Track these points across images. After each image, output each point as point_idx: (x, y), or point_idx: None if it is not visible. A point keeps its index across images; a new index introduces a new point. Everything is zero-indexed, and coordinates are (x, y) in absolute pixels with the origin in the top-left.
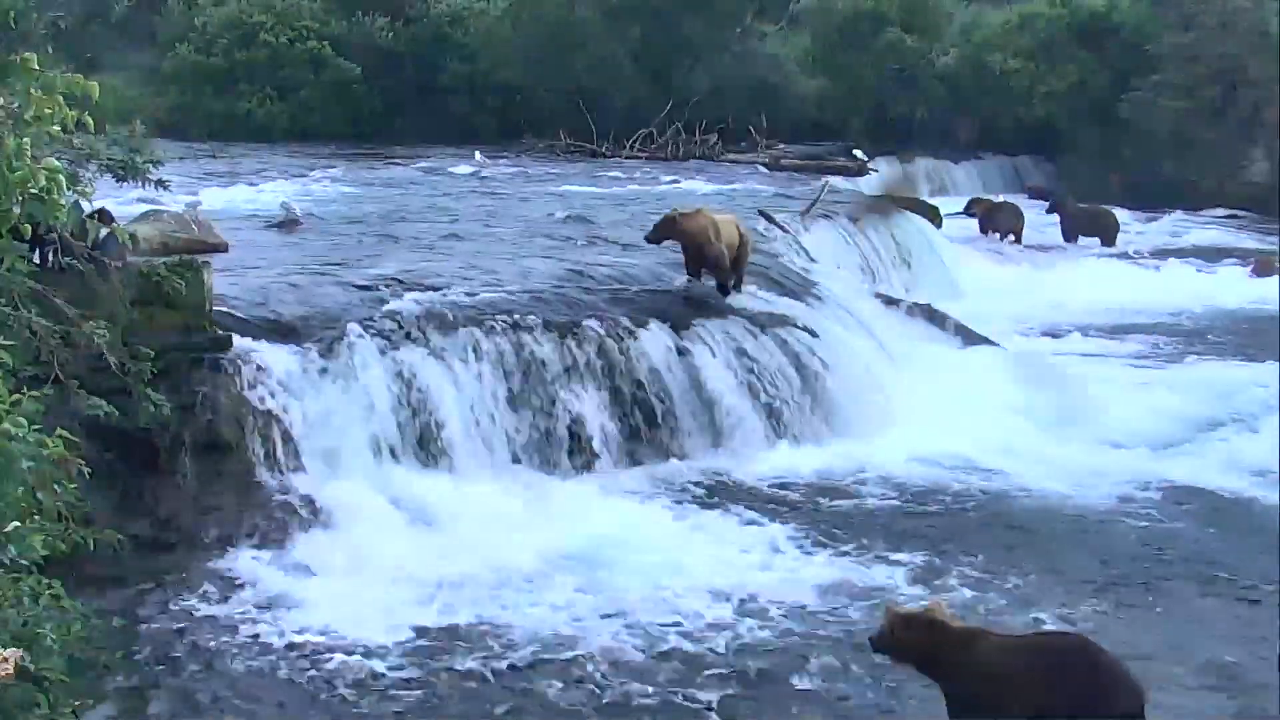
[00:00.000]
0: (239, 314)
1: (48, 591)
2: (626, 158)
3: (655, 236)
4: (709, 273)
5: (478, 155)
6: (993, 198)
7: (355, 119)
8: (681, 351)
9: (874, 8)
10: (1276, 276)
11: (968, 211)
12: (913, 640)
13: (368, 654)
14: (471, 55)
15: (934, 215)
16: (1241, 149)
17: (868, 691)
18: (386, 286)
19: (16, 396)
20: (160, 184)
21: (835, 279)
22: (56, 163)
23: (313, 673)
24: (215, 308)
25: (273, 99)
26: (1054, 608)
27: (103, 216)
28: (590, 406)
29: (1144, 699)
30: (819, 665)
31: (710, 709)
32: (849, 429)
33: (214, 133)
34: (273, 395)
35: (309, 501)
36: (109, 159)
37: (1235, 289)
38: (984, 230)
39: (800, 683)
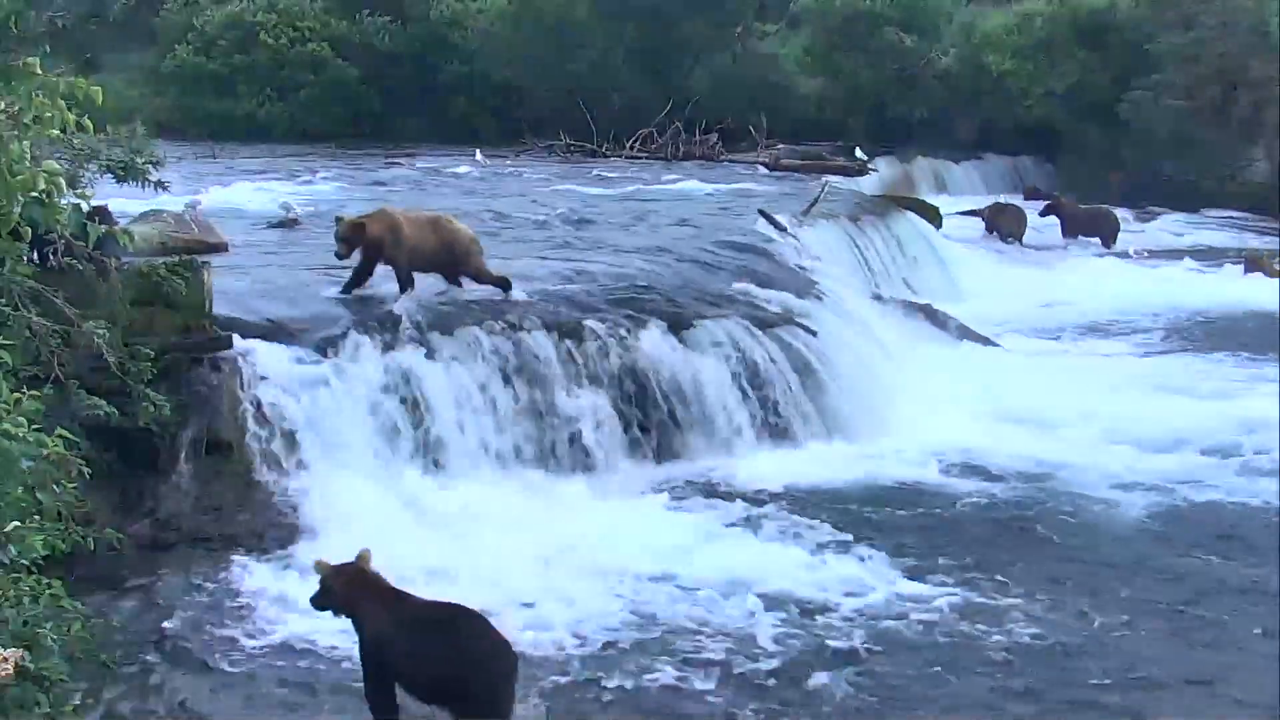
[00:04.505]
0: (239, 314)
1: (48, 591)
2: (627, 158)
3: (344, 253)
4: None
5: (478, 155)
6: (998, 198)
7: (355, 119)
8: (681, 351)
9: (872, 8)
10: (1270, 275)
11: (975, 214)
12: (341, 590)
13: None
14: (471, 55)
15: (934, 215)
16: (1241, 149)
17: (872, 694)
18: (386, 286)
19: (16, 396)
20: (160, 185)
21: (835, 279)
22: (56, 165)
23: (313, 673)
24: (215, 308)
25: (273, 99)
26: (1050, 607)
27: (101, 215)
28: (590, 407)
29: (513, 662)
30: (821, 665)
31: (712, 709)
32: (849, 429)
33: (214, 133)
34: (272, 395)
35: (309, 501)
36: (109, 160)
37: (1234, 288)
38: (990, 230)
39: (806, 683)
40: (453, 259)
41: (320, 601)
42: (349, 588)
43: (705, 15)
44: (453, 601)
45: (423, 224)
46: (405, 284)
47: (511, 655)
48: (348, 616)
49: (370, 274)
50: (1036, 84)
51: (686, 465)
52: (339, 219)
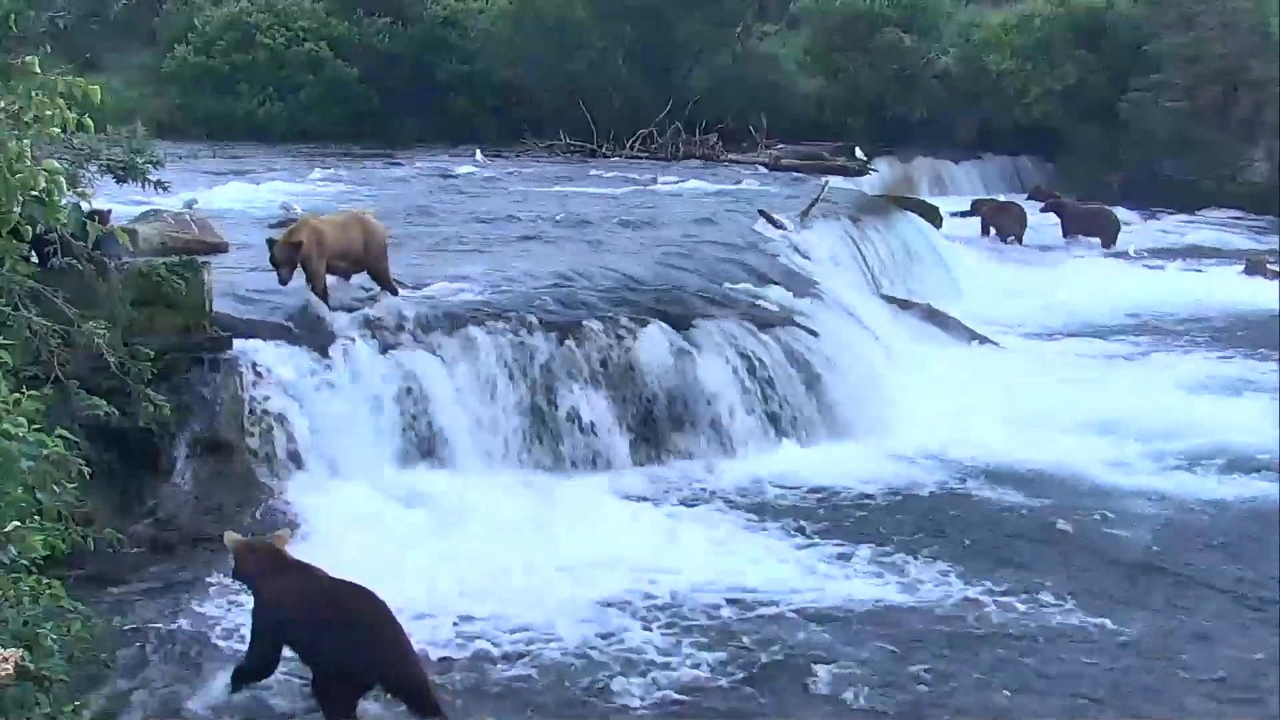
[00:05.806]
0: (239, 314)
1: (48, 591)
2: (627, 157)
3: (285, 277)
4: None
5: (478, 155)
6: (997, 197)
7: (355, 119)
8: (682, 351)
9: (872, 8)
10: (1269, 277)
11: (973, 212)
12: (251, 565)
13: None
14: (471, 55)
15: (934, 215)
16: (1241, 149)
17: (872, 697)
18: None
19: (16, 396)
20: (160, 185)
21: (835, 279)
22: (57, 164)
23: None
24: (215, 308)
25: (272, 99)
26: (1051, 607)
27: (101, 218)
28: (591, 406)
29: (400, 647)
30: (822, 665)
31: (713, 711)
32: (850, 429)
33: (213, 133)
34: (273, 395)
35: (309, 501)
36: (109, 160)
37: (1232, 289)
38: (985, 231)
39: (806, 685)
40: (369, 257)
41: (236, 574)
42: (255, 562)
43: (705, 15)
44: (349, 580)
45: (346, 225)
46: (319, 289)
47: (394, 627)
48: (248, 587)
49: (324, 283)
50: (1036, 84)
51: (687, 464)
52: (270, 242)
